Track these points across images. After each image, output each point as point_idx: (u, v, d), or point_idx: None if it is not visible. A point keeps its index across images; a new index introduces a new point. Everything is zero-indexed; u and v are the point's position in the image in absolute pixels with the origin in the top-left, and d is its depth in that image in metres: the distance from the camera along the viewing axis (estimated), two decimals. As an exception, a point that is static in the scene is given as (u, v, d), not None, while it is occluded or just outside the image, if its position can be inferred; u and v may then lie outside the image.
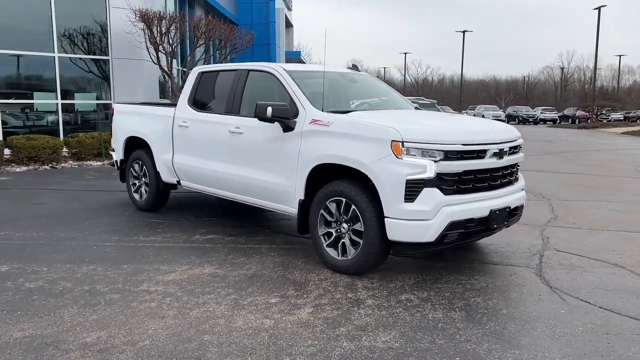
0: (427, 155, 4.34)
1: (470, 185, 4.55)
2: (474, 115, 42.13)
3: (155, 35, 13.65)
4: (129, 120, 7.47)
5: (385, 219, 4.39)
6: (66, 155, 12.58)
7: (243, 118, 5.68)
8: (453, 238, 4.52)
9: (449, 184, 4.41)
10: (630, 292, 4.41)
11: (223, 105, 6.05)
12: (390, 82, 62.54)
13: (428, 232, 4.33)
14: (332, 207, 4.78)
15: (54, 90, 14.00)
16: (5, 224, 6.49)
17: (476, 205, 4.54)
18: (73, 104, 14.88)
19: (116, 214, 7.14)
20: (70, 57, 14.38)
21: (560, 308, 4.07)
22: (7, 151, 11.69)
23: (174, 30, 14.00)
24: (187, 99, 6.53)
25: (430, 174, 4.31)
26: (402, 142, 4.35)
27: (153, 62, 14.14)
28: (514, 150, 4.99)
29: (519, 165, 5.24)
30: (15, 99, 13.68)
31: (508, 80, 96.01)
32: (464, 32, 53.86)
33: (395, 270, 4.92)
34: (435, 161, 4.33)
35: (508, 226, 5.16)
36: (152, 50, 13.88)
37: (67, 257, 5.21)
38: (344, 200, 4.67)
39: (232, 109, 5.88)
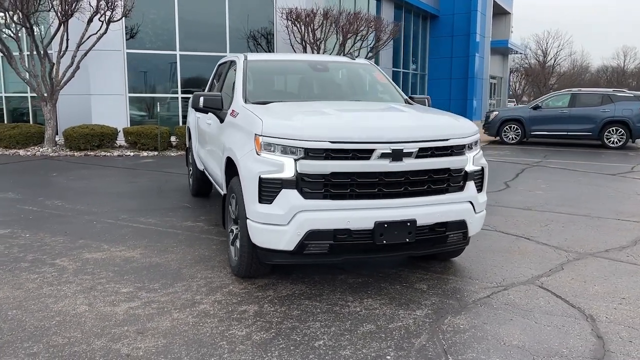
0: (288, 152, 3.81)
1: (348, 191, 3.83)
2: None
3: (303, 33, 14.19)
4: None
5: (247, 220, 4.01)
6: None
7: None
8: (322, 250, 3.87)
9: (314, 187, 3.78)
10: None
11: None
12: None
13: (283, 239, 3.81)
14: (233, 203, 4.53)
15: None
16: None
17: (352, 214, 3.80)
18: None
19: (172, 197, 7.79)
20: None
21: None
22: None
23: (319, 26, 14.32)
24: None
25: (288, 173, 3.77)
26: (262, 136, 3.90)
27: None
28: (434, 152, 3.99)
29: (462, 172, 4.16)
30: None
31: None
32: None
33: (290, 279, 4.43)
34: (295, 160, 3.77)
35: (430, 249, 4.21)
36: (299, 47, 14.48)
37: (58, 228, 5.95)
38: (235, 197, 4.40)
39: None
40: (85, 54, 12.81)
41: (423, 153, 3.93)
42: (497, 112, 17.03)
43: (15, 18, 12.19)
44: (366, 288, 4.27)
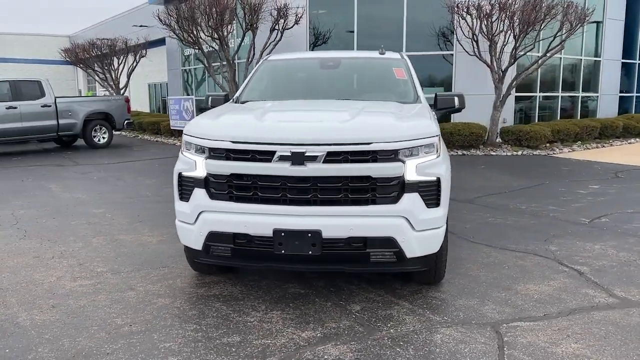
0: (199, 151, 3.82)
1: (251, 194, 3.65)
2: None
3: (474, 26, 13.23)
4: None
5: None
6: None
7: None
8: (224, 253, 3.77)
9: (219, 187, 3.71)
10: None
11: None
12: None
13: (191, 238, 3.84)
14: None
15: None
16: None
17: (251, 218, 3.61)
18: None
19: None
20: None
21: None
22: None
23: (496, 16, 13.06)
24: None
25: (200, 172, 3.77)
26: (184, 134, 3.98)
27: (467, 52, 13.75)
28: (348, 157, 3.50)
29: (396, 182, 3.56)
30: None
31: None
32: None
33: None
34: (204, 159, 3.77)
35: (354, 266, 3.73)
36: (466, 41, 13.52)
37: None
38: None
39: None
40: (256, 61, 14.13)
41: (333, 158, 3.50)
42: None
43: (208, 33, 14.14)
44: (297, 300, 3.99)
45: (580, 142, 14.56)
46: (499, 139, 14.01)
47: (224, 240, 3.68)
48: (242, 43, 14.99)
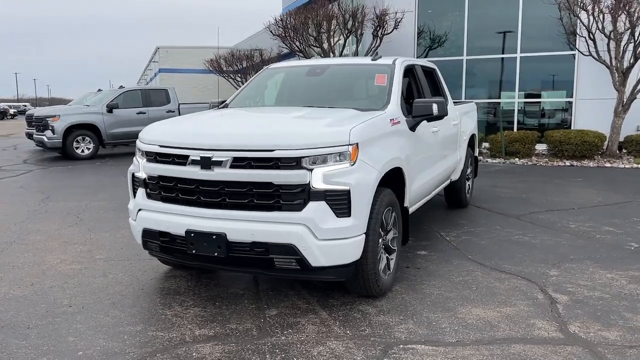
0: (141, 154, 4.18)
1: (174, 195, 3.91)
2: None
3: (589, 23, 11.95)
4: None
5: None
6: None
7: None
8: (155, 249, 4.09)
9: (153, 188, 4.04)
10: None
11: None
12: None
13: (134, 232, 4.23)
14: None
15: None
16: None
17: (170, 218, 3.87)
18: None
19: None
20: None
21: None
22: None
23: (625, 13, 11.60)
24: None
25: (142, 173, 4.16)
26: (137, 139, 4.36)
27: (583, 53, 12.38)
28: (251, 163, 3.57)
29: (300, 189, 3.54)
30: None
31: None
32: None
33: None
34: (145, 161, 4.13)
35: (265, 270, 3.77)
36: (583, 39, 12.21)
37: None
38: None
39: None
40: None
41: (238, 163, 3.61)
42: None
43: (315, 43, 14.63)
44: (227, 299, 4.14)
45: None
46: (622, 150, 12.47)
47: (153, 237, 3.99)
48: (349, 51, 15.25)
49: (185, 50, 40.98)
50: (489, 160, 12.79)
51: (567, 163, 12.02)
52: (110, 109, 14.53)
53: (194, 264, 4.21)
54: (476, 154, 7.87)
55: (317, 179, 3.53)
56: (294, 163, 3.52)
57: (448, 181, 6.59)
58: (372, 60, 5.29)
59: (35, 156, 15.17)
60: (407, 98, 5.16)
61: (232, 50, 24.26)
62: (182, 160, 3.78)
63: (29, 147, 17.34)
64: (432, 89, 6.24)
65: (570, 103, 14.23)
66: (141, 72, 68.07)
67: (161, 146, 3.92)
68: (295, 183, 3.53)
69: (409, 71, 5.40)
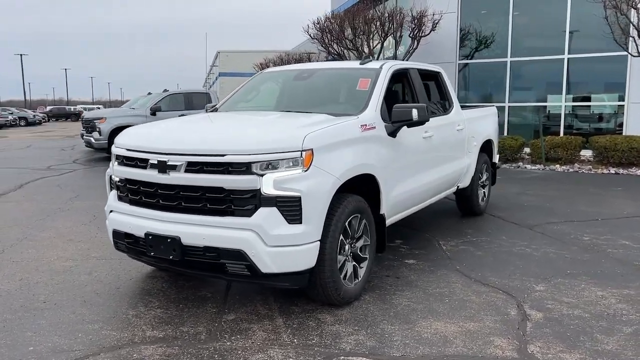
0: (114, 157, 4.30)
1: (138, 198, 4.00)
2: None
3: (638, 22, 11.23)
4: None
5: None
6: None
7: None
8: (124, 250, 4.19)
9: (122, 190, 4.16)
10: None
11: None
12: None
13: (108, 232, 4.35)
14: None
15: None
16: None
17: (132, 220, 3.97)
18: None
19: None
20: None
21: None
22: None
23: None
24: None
25: (115, 176, 4.29)
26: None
27: (631, 54, 11.62)
28: (203, 167, 3.59)
29: (250, 195, 3.53)
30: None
31: None
32: None
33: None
34: (117, 164, 4.25)
35: (221, 274, 3.79)
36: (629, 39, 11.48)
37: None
38: None
39: None
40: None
41: (192, 168, 3.65)
42: None
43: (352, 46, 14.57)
44: (192, 302, 4.18)
45: None
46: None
47: (120, 238, 4.10)
48: (390, 53, 15.08)
49: (245, 54, 41.87)
50: (528, 166, 12.27)
51: (612, 171, 11.34)
52: (153, 111, 15.04)
53: (162, 266, 4.27)
54: (494, 160, 7.56)
55: (268, 184, 3.50)
56: (244, 168, 3.51)
57: (454, 188, 6.37)
58: (361, 64, 5.19)
59: (86, 156, 15.92)
60: (396, 103, 5.02)
61: (281, 54, 24.51)
62: (143, 164, 3.86)
63: (85, 148, 18.21)
64: (436, 94, 6.06)
65: (622, 107, 13.43)
66: (205, 75, 70.30)
67: (127, 149, 4.02)
68: (246, 188, 3.52)
69: (401, 75, 5.27)
